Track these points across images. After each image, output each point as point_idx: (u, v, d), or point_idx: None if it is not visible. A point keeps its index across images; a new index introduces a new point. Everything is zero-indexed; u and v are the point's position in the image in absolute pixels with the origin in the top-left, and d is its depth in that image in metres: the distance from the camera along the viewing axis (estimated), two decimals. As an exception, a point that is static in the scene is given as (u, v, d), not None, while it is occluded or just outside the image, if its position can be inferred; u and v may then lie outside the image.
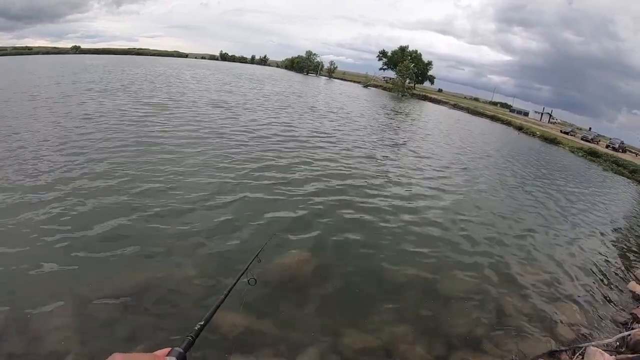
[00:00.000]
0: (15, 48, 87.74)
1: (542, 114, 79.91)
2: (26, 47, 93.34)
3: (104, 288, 5.19)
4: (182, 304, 5.13)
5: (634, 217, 15.95)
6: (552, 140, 41.68)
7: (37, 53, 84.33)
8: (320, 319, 5.25)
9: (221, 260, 6.31)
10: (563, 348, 5.50)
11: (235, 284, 1.63)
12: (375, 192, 10.68)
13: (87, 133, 12.44)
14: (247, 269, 1.92)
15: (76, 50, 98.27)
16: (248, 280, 1.90)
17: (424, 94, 77.91)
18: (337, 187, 10.56)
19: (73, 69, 38.90)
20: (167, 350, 0.99)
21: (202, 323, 1.20)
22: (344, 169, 12.51)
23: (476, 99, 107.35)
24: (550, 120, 76.30)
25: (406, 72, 73.32)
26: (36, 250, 5.82)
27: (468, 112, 62.05)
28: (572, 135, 52.61)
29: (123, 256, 5.98)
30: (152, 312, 4.90)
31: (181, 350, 1.00)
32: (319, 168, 12.04)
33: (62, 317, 4.59)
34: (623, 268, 9.25)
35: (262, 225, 7.66)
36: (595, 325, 6.39)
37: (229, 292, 1.51)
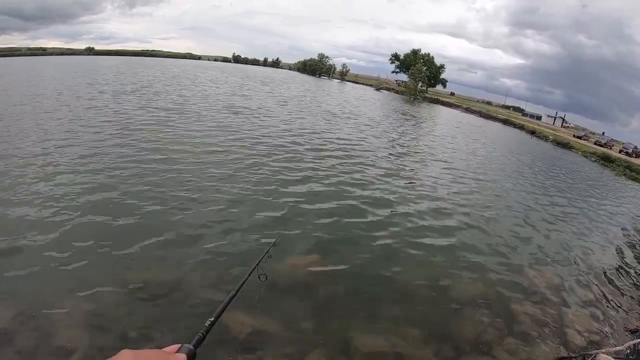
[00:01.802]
0: (29, 49, 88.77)
1: (555, 118, 79.31)
2: (40, 47, 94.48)
3: (115, 286, 5.29)
4: (194, 300, 5.20)
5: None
6: (565, 145, 41.37)
7: (51, 54, 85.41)
8: (329, 321, 5.28)
9: (232, 257, 6.40)
10: (573, 355, 5.49)
11: (246, 279, 1.62)
12: (387, 195, 10.69)
13: (105, 136, 12.65)
14: (257, 264, 1.92)
15: (90, 51, 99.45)
16: (259, 276, 1.88)
17: (436, 97, 77.64)
18: (349, 188, 10.61)
19: (89, 71, 39.33)
20: (176, 346, 0.98)
21: (212, 319, 1.19)
22: (359, 171, 12.55)
23: (489, 103, 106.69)
24: (563, 124, 75.70)
25: (418, 75, 73.13)
26: (48, 248, 5.92)
27: (480, 116, 61.73)
28: (585, 140, 52.19)
29: (134, 254, 6.08)
30: (163, 310, 4.97)
31: (191, 347, 0.99)
32: (333, 171, 12.08)
33: (73, 313, 4.67)
34: (635, 275, 9.18)
35: (273, 224, 7.75)
36: (606, 332, 6.35)
37: (240, 287, 1.50)
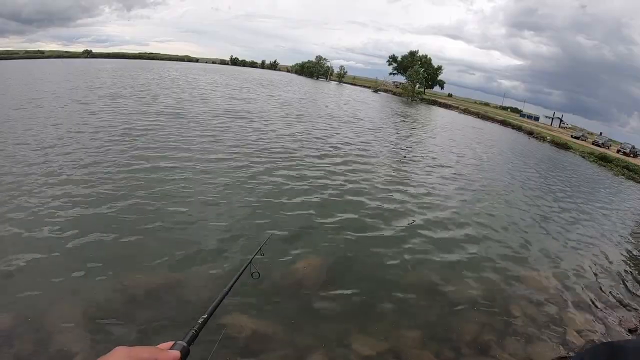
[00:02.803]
0: (27, 52, 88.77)
1: (552, 118, 79.40)
2: (38, 50, 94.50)
3: (112, 288, 5.32)
4: (190, 299, 5.25)
5: (645, 222, 15.82)
6: (562, 145, 41.42)
7: (49, 57, 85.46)
8: (328, 323, 5.29)
9: (227, 256, 6.49)
10: (572, 354, 5.51)
11: (238, 277, 1.62)
12: (387, 199, 10.72)
13: (104, 142, 12.72)
14: (250, 262, 1.89)
15: (87, 54, 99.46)
16: (252, 274, 1.87)
17: (433, 98, 77.70)
18: (349, 191, 10.64)
19: (87, 75, 39.37)
20: (170, 343, 0.97)
21: (205, 316, 1.19)
22: (359, 175, 12.58)
23: (486, 104, 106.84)
24: (561, 125, 75.82)
25: (416, 77, 73.21)
26: (48, 253, 5.96)
27: (478, 117, 61.70)
28: (582, 140, 52.27)
29: (131, 256, 6.13)
30: (160, 310, 5.01)
31: (184, 344, 0.98)
32: (333, 174, 12.12)
33: (71, 317, 4.70)
34: (633, 274, 9.20)
35: (270, 226, 7.81)
36: (605, 331, 6.36)
37: (232, 285, 1.48)
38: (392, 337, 5.20)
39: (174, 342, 0.98)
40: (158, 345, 0.96)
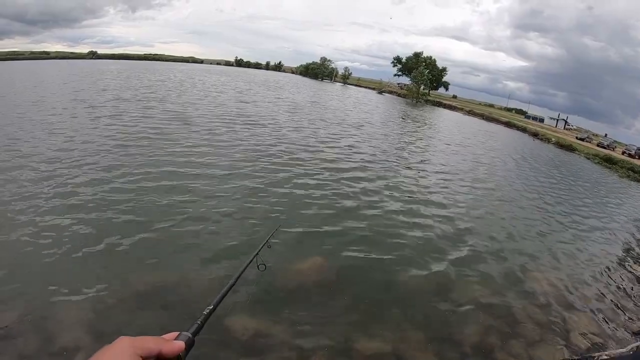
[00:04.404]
0: (32, 52, 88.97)
1: (557, 120, 78.96)
2: (44, 51, 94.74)
3: (117, 284, 5.39)
4: (196, 293, 5.31)
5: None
6: (567, 147, 41.26)
7: (54, 58, 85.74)
8: (330, 324, 5.31)
9: (232, 248, 6.61)
10: (576, 357, 5.48)
11: (245, 268, 1.62)
12: (393, 201, 10.74)
13: (113, 144, 12.85)
14: (257, 254, 1.89)
15: (93, 55, 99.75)
16: (258, 266, 1.87)
17: (438, 100, 77.44)
18: (353, 192, 10.70)
19: (94, 77, 39.47)
20: (175, 334, 0.98)
21: (210, 307, 1.18)
22: (368, 179, 12.60)
23: (491, 105, 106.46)
24: (566, 126, 75.41)
25: (421, 78, 73.06)
26: (53, 251, 6.03)
27: (483, 119, 61.49)
28: (587, 142, 52.02)
29: (135, 252, 6.23)
30: (165, 307, 5.06)
31: (189, 335, 0.99)
32: (342, 179, 12.10)
33: (76, 314, 4.75)
34: (638, 276, 9.25)
35: (273, 220, 7.94)
36: (609, 334, 6.33)
37: (238, 277, 1.49)
38: (395, 339, 5.21)
39: (178, 332, 0.98)
40: (163, 336, 0.95)
